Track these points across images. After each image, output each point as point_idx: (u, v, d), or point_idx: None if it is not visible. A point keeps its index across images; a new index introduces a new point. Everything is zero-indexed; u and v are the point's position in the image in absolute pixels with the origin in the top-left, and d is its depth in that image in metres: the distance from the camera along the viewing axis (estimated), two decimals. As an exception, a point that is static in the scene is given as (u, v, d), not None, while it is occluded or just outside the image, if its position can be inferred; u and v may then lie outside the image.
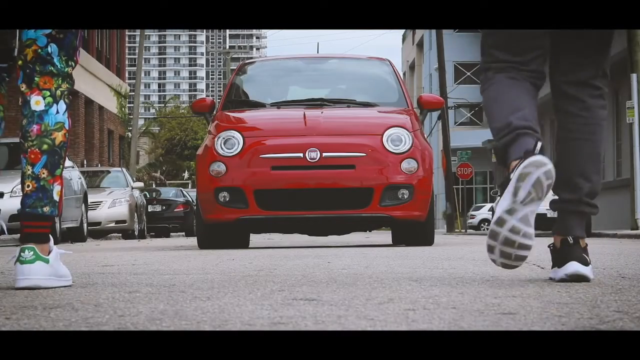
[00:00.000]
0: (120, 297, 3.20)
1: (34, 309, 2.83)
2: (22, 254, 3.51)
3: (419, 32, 73.77)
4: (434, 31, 55.21)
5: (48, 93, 3.78)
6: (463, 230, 40.98)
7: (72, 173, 18.64)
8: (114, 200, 23.47)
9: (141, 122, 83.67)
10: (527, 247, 3.48)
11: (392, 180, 9.70)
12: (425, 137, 10.40)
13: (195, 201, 12.76)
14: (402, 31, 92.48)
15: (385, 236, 18.85)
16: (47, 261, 3.53)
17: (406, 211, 9.74)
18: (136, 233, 24.26)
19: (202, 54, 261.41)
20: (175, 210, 32.46)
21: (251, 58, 33.09)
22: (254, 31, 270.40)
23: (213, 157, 9.82)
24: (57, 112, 3.77)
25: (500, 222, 3.44)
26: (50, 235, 3.61)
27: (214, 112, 10.73)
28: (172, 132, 75.81)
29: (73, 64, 3.92)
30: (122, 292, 3.46)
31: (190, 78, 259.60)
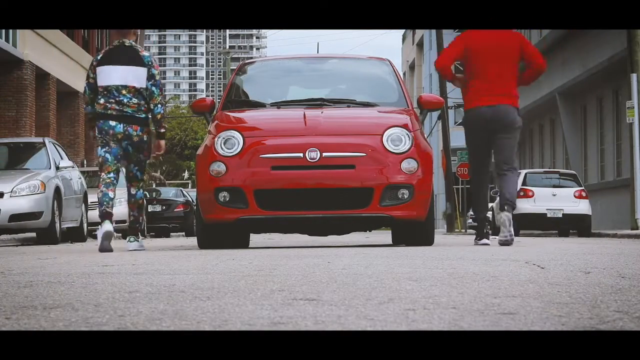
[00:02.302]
0: (120, 297, 3.20)
1: (34, 309, 2.83)
2: None
3: (419, 32, 73.75)
4: (434, 31, 55.19)
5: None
6: (463, 230, 40.99)
7: (72, 173, 18.63)
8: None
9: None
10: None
11: (392, 180, 9.69)
12: (425, 137, 10.40)
13: (195, 201, 12.77)
14: (402, 31, 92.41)
15: (385, 236, 18.84)
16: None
17: (406, 211, 9.73)
18: (136, 233, 24.22)
19: (202, 54, 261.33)
20: (175, 210, 32.46)
21: (251, 58, 33.08)
22: (254, 31, 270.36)
23: (213, 157, 9.81)
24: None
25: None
26: None
27: (214, 112, 10.73)
28: (172, 132, 75.82)
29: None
30: (122, 292, 3.46)
31: (190, 78, 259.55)
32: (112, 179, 9.80)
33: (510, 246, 9.69)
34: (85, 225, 19.32)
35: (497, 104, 10.35)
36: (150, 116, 9.92)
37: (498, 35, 10.58)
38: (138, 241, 10.09)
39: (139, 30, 10.50)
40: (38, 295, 3.32)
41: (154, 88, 9.87)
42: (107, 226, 9.54)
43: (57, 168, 17.37)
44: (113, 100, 9.76)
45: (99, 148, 9.85)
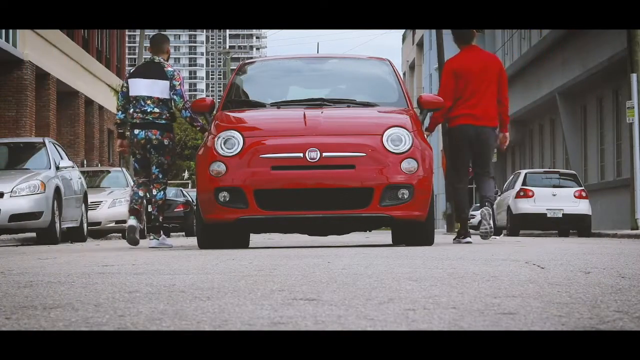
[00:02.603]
0: (120, 297, 3.20)
1: (34, 309, 2.83)
2: None
3: (419, 32, 73.75)
4: (434, 31, 55.19)
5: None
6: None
7: (72, 173, 18.62)
8: (114, 200, 23.45)
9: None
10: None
11: (392, 180, 9.68)
12: (425, 137, 10.40)
13: (195, 201, 12.77)
14: (402, 31, 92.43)
15: (385, 236, 18.84)
16: None
17: (406, 211, 9.72)
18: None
19: (202, 54, 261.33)
20: (175, 210, 32.44)
21: (251, 58, 33.05)
22: (254, 31, 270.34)
23: (213, 157, 9.81)
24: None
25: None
26: None
27: (214, 112, 10.73)
28: (172, 132, 75.81)
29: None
30: (122, 292, 3.46)
31: (190, 78, 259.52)
32: (144, 181, 11.39)
33: (488, 239, 11.82)
34: (85, 225, 19.31)
35: (479, 125, 11.69)
36: (171, 123, 11.43)
37: (480, 58, 11.77)
38: (158, 239, 11.20)
39: (171, 49, 12.10)
40: (38, 295, 3.32)
41: (175, 97, 11.24)
42: (131, 221, 11.17)
43: (57, 168, 17.36)
44: (138, 110, 11.23)
45: (131, 157, 11.70)
